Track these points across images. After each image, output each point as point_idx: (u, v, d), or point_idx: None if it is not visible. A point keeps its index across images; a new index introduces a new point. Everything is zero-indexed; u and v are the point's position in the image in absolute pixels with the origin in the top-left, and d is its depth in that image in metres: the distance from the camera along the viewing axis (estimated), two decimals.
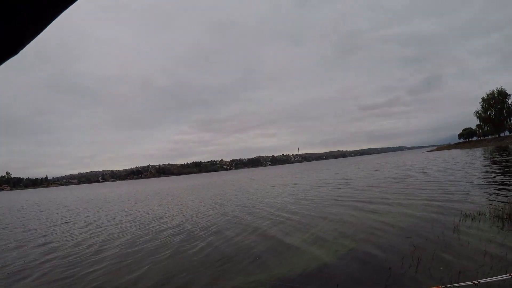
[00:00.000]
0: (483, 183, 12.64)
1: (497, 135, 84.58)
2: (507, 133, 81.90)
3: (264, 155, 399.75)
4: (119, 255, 7.33)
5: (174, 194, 28.08)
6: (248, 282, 4.86)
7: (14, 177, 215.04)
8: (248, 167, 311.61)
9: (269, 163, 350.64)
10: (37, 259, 7.66)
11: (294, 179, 33.79)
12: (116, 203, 24.55)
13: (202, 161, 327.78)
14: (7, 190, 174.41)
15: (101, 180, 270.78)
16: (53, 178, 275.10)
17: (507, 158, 24.96)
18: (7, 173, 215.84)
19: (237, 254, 6.35)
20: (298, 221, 9.38)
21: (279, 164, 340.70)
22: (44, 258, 7.69)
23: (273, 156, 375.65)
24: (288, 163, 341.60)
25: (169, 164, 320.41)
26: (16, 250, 8.97)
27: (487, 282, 2.99)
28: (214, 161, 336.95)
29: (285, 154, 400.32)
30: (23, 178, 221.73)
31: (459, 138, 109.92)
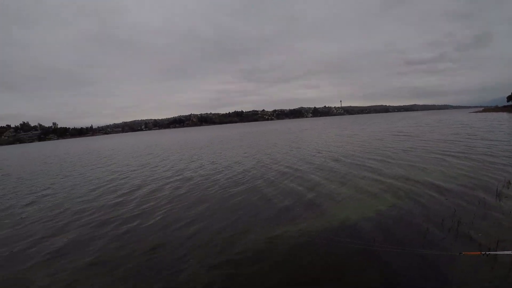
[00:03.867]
0: None
1: None
2: None
3: (306, 106, 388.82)
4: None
5: (237, 141, 30.00)
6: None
7: (61, 127, 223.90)
8: (290, 118, 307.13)
9: (311, 114, 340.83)
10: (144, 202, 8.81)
11: (353, 131, 34.09)
12: (178, 148, 26.76)
13: (244, 110, 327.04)
14: (54, 139, 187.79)
15: (144, 129, 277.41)
16: (98, 127, 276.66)
17: None
18: (54, 123, 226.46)
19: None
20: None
21: (320, 116, 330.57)
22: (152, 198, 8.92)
23: (315, 107, 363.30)
24: (330, 115, 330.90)
25: (210, 113, 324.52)
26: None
27: None
28: (255, 111, 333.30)
29: (327, 106, 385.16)
30: (69, 128, 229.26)
31: (508, 101, 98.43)
